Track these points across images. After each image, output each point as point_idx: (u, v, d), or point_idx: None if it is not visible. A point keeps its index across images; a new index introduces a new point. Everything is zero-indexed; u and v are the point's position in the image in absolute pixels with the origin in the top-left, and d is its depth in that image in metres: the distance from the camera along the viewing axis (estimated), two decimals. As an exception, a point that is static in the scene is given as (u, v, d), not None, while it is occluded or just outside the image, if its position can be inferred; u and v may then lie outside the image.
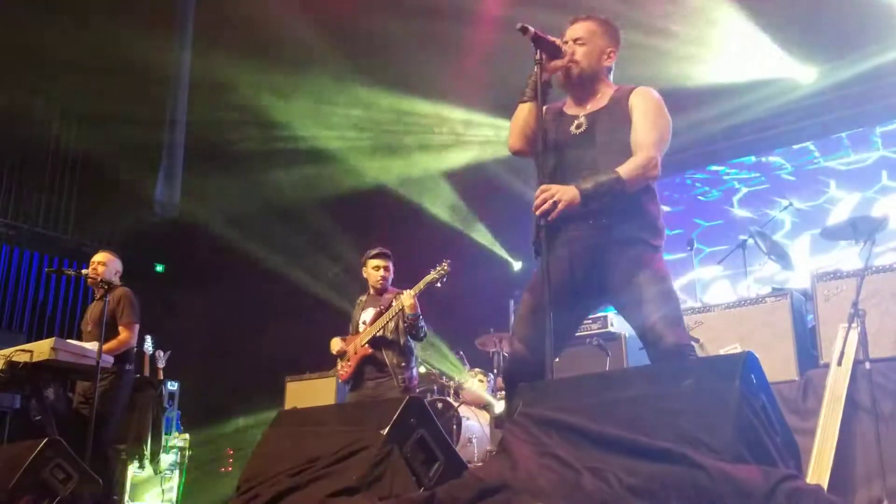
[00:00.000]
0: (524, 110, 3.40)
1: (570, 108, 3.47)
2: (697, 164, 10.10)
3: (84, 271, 6.07)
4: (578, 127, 3.36)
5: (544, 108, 3.41)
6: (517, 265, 10.81)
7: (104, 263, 6.06)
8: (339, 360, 5.99)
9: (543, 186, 3.10)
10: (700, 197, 9.97)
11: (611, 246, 3.19)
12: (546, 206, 3.06)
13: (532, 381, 2.98)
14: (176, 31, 9.69)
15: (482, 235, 10.51)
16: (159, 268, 11.15)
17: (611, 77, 3.48)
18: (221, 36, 9.11)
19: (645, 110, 3.27)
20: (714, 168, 10.02)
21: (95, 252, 6.31)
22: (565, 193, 3.05)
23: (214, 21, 9.12)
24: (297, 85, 9.63)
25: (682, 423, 2.30)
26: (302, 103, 9.79)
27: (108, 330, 5.73)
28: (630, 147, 3.23)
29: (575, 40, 3.40)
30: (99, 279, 5.89)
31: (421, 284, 5.77)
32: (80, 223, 10.51)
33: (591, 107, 3.40)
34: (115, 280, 6.03)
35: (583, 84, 3.40)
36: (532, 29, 3.24)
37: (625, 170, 3.10)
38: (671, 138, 3.32)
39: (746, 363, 2.37)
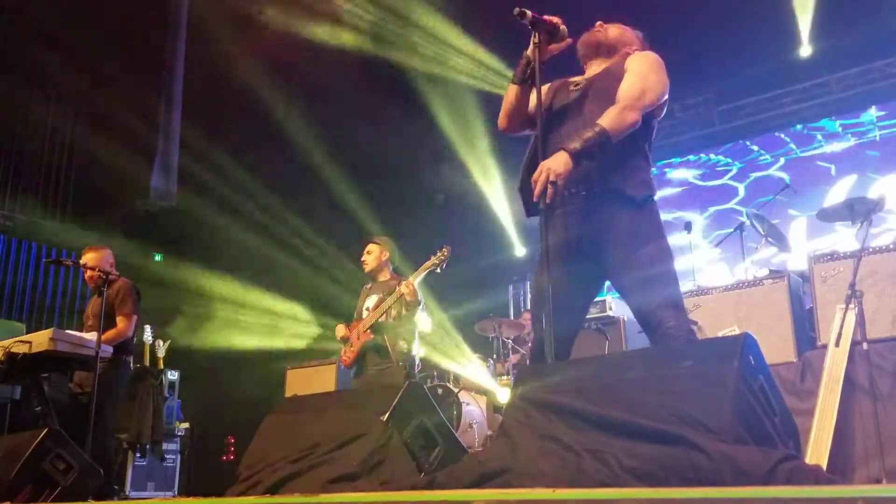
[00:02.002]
0: (511, 92, 3.44)
1: (574, 78, 3.52)
2: (694, 147, 10.11)
3: (82, 262, 6.05)
4: (576, 86, 3.42)
5: (551, 83, 3.50)
6: (521, 251, 10.77)
7: (93, 267, 5.95)
8: (342, 345, 6.02)
9: (535, 173, 3.07)
10: (697, 180, 9.98)
11: (603, 208, 3.19)
12: (546, 189, 3.03)
13: (559, 360, 3.04)
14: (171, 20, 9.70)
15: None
16: (157, 257, 11.13)
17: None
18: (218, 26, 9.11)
19: (636, 68, 3.30)
20: (710, 150, 10.02)
21: (92, 242, 6.27)
22: (557, 164, 3.03)
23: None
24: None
25: (682, 404, 2.30)
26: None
27: (107, 321, 5.72)
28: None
29: (603, 23, 3.54)
30: (97, 277, 5.85)
31: (420, 271, 5.79)
32: (77, 213, 10.48)
33: (592, 73, 3.47)
34: (113, 271, 6.01)
35: (599, 52, 3.48)
36: (530, 12, 3.23)
37: (605, 120, 3.10)
38: (670, 112, 3.35)
39: (745, 345, 2.37)
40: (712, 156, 10.00)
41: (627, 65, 3.33)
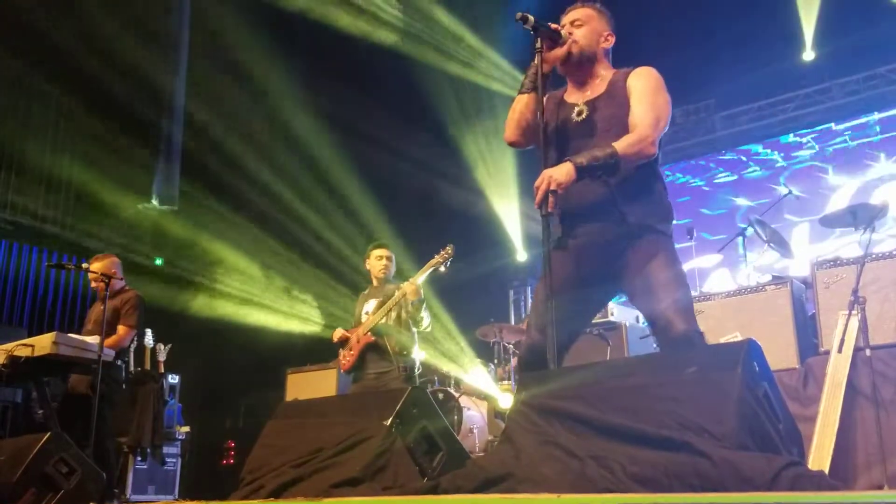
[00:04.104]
0: (521, 102, 3.39)
1: (570, 96, 3.44)
2: (695, 153, 10.10)
3: (84, 265, 6.06)
4: (579, 114, 3.33)
5: (545, 97, 3.42)
6: (523, 256, 10.74)
7: (114, 274, 5.99)
8: (340, 349, 5.99)
9: (537, 180, 3.06)
10: (699, 186, 9.97)
11: (621, 238, 3.18)
12: (541, 197, 3.03)
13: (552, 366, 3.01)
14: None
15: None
16: (158, 261, 11.13)
17: (610, 61, 3.46)
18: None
19: (643, 91, 3.24)
20: (712, 157, 10.02)
21: (94, 245, 6.28)
22: (559, 174, 3.02)
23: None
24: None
25: (685, 411, 2.30)
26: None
27: (109, 328, 5.74)
28: (629, 129, 3.21)
29: (572, 23, 3.40)
30: (103, 284, 5.85)
31: (424, 269, 5.75)
32: (78, 217, 10.49)
33: (591, 93, 3.37)
34: (120, 280, 6.05)
35: (582, 65, 3.38)
36: (532, 17, 3.22)
37: (620, 145, 3.07)
38: (671, 119, 3.32)
39: (749, 351, 2.37)
40: (714, 161, 9.99)
41: (630, 86, 3.27)
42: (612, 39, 3.46)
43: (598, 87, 3.38)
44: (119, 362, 5.94)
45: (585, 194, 3.15)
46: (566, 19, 3.43)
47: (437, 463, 3.28)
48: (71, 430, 5.11)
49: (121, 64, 9.51)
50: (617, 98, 3.28)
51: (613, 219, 3.19)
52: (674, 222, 3.31)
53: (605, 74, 3.39)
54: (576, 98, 3.41)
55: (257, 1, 9.17)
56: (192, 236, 10.74)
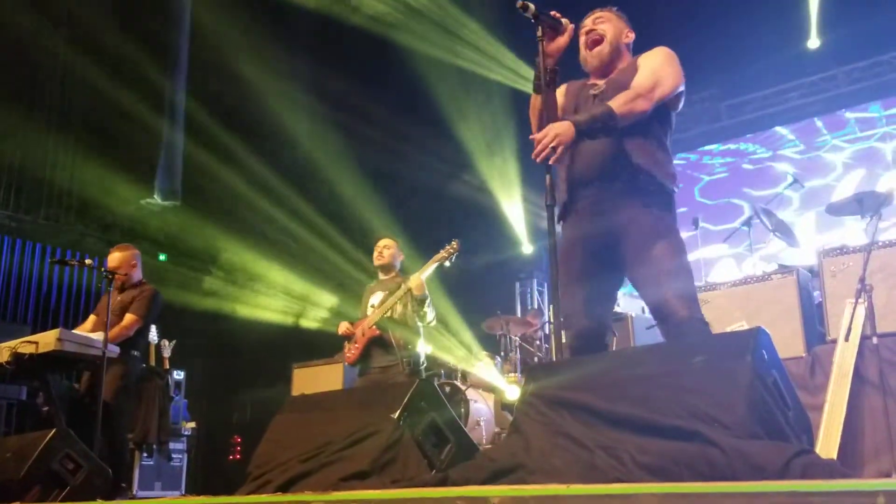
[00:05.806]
0: (537, 100, 3.46)
1: (593, 80, 3.58)
2: (701, 142, 10.08)
3: (88, 262, 6.03)
4: (596, 90, 3.46)
5: (566, 85, 3.58)
6: (529, 248, 10.71)
7: (134, 266, 6.01)
8: (346, 342, 5.98)
9: (539, 133, 3.15)
10: (704, 175, 9.95)
11: (627, 208, 3.24)
12: (545, 152, 3.11)
13: (599, 348, 3.25)
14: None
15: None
16: (162, 257, 11.13)
17: (631, 56, 3.57)
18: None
19: (650, 63, 3.37)
20: (717, 146, 10.00)
21: (97, 242, 6.26)
22: (561, 128, 3.12)
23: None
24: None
25: (695, 400, 2.29)
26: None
27: (118, 318, 5.74)
28: None
29: (595, 20, 3.55)
30: (112, 281, 5.84)
31: (429, 265, 5.74)
32: (81, 213, 10.48)
33: (609, 77, 3.51)
34: (137, 275, 6.06)
35: (612, 61, 3.51)
36: (532, 6, 3.26)
37: (615, 102, 3.19)
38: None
39: (758, 339, 2.36)
40: (720, 150, 9.97)
41: (640, 62, 3.41)
42: (633, 36, 3.60)
43: (615, 72, 3.51)
44: (133, 353, 5.92)
45: (591, 158, 3.27)
46: (588, 20, 3.57)
47: (445, 455, 3.28)
48: (90, 427, 5.12)
49: (124, 61, 9.50)
50: (629, 73, 3.40)
51: (618, 175, 3.28)
52: (674, 183, 3.37)
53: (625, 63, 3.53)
54: (596, 80, 3.55)
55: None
56: (195, 231, 10.74)
